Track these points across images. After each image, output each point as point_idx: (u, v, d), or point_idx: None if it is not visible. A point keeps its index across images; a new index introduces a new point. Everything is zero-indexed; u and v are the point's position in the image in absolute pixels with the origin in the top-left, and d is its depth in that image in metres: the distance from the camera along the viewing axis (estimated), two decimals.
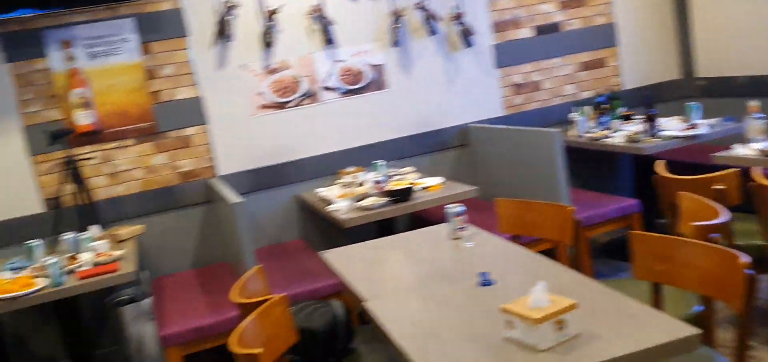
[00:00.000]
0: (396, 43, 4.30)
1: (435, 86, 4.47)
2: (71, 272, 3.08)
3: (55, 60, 3.71)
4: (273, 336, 2.02)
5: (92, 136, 3.83)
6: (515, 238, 2.72)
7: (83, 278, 3.01)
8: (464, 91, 4.53)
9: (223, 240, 4.04)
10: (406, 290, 2.11)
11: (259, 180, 4.16)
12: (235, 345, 1.80)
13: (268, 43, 4.04)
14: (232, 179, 4.06)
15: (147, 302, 3.72)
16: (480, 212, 3.78)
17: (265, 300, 2.11)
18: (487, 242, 2.49)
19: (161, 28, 3.88)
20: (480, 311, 1.85)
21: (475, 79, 4.55)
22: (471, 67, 4.53)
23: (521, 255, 2.31)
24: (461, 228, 2.51)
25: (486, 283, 2.03)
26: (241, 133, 4.10)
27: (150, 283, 3.84)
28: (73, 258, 3.23)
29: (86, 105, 3.77)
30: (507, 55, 4.60)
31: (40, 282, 2.97)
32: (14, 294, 2.89)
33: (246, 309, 2.19)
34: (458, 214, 2.52)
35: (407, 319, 1.87)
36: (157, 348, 3.73)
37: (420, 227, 2.90)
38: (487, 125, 4.43)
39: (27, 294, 2.90)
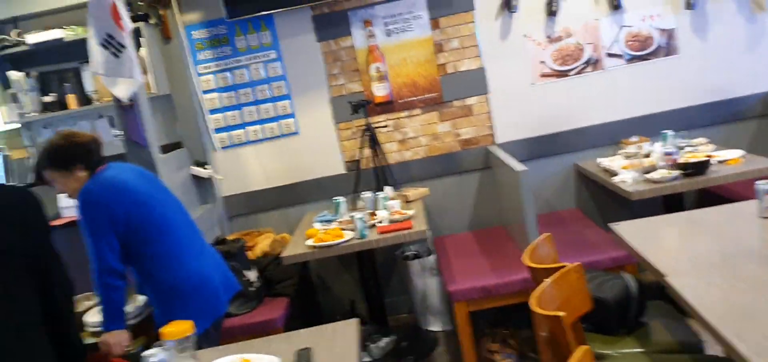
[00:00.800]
0: (691, 5, 3.99)
1: (733, 51, 4.08)
2: (372, 226, 3.48)
3: (357, 38, 4.15)
4: (568, 301, 2.08)
5: (386, 106, 4.22)
6: None
7: (383, 233, 3.38)
8: None
9: (499, 205, 4.20)
10: (710, 268, 2.02)
11: (537, 148, 4.22)
12: (535, 306, 1.90)
13: (552, 11, 4.05)
14: (510, 147, 4.17)
15: (431, 258, 4.03)
16: None
17: (557, 267, 2.19)
18: None
19: (450, 4, 4.10)
20: None
21: None
22: None
23: None
24: None
25: None
26: (520, 101, 4.18)
27: (432, 242, 4.15)
28: (372, 214, 3.63)
29: (382, 78, 4.17)
30: None
31: (348, 234, 3.40)
32: (329, 242, 3.36)
33: (537, 273, 2.29)
34: None
35: (716, 298, 1.80)
36: (440, 301, 4.04)
37: (711, 204, 2.72)
38: None
39: (339, 244, 3.35)
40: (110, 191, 2.51)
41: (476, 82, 4.18)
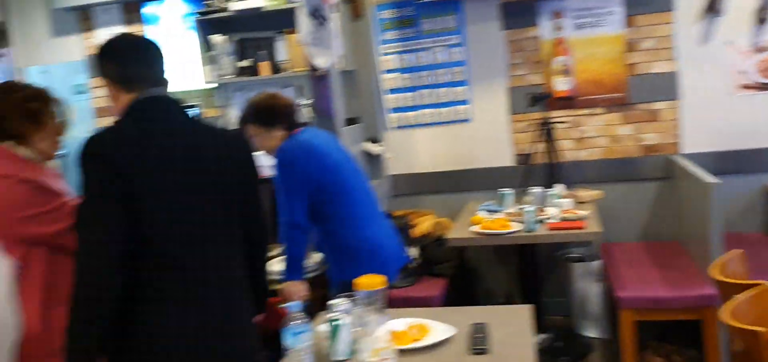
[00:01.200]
0: None
1: None
2: (541, 222, 3.43)
3: (544, 29, 4.09)
4: (762, 320, 1.95)
5: (566, 102, 4.12)
6: None
7: (552, 229, 3.33)
8: None
9: (679, 218, 3.96)
10: None
11: (724, 162, 3.92)
12: (729, 319, 1.81)
13: (762, 19, 3.74)
14: (696, 158, 3.90)
15: (596, 264, 3.91)
16: None
17: (752, 283, 2.06)
18: None
19: (648, 2, 3.92)
20: None
21: None
22: None
23: None
24: None
25: None
26: (714, 111, 3.91)
27: (598, 247, 4.01)
28: (540, 210, 3.58)
29: (566, 72, 4.08)
30: None
31: (515, 226, 3.39)
32: (495, 231, 3.37)
33: (727, 288, 2.17)
34: None
35: None
36: (600, 309, 3.91)
37: None
38: None
39: (505, 234, 3.35)
40: (305, 153, 2.69)
41: (667, 86, 3.96)
